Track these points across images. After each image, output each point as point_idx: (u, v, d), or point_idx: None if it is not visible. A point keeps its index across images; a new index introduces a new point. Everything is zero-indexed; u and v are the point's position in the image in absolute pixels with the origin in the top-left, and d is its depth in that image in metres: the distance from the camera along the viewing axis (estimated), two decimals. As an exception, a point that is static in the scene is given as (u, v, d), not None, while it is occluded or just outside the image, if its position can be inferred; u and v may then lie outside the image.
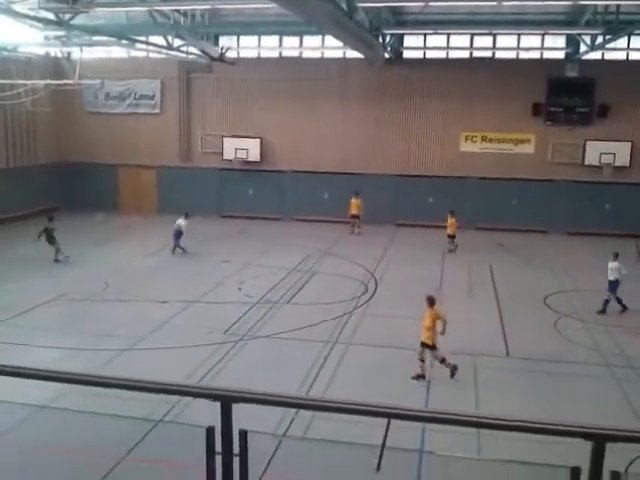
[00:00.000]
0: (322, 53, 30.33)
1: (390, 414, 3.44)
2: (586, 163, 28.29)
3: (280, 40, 30.40)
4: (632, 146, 27.93)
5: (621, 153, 27.92)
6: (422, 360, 12.80)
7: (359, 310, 17.53)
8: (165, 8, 23.05)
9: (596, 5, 22.62)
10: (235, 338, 15.05)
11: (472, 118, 29.30)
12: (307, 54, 30.55)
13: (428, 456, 9.56)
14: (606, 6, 22.21)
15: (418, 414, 3.17)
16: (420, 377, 12.79)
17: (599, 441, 2.59)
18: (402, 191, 29.78)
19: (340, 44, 25.10)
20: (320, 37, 29.19)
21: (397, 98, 29.68)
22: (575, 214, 28.14)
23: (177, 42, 25.80)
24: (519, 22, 25.75)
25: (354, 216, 27.90)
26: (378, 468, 8.83)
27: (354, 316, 16.96)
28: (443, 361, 12.85)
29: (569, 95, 28.11)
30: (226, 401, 3.35)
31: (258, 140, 30.78)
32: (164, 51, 25.90)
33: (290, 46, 30.37)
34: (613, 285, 17.59)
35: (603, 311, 17.52)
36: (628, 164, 28.02)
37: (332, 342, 14.85)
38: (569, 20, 25.75)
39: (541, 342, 15.26)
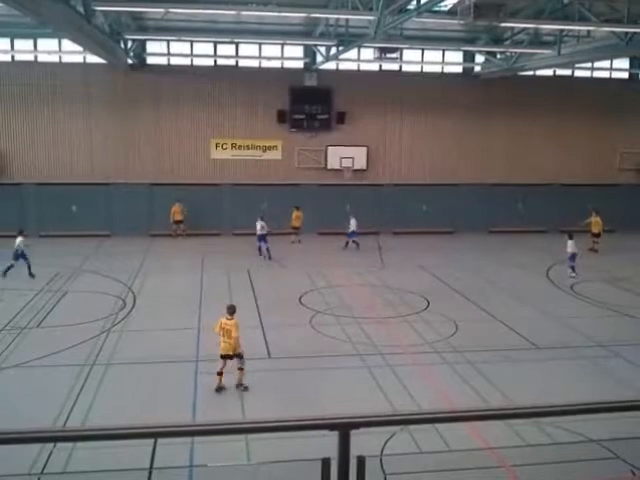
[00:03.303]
0: (60, 57, 28.52)
1: (150, 434, 3.34)
2: (329, 167, 30.35)
3: (12, 43, 27.95)
4: (368, 150, 30.56)
5: (359, 157, 30.41)
6: (220, 374, 12.61)
7: (118, 327, 16.79)
8: None
9: (328, 18, 24.36)
10: (-23, 372, 13.53)
11: (221, 125, 29.74)
12: (43, 58, 28.47)
13: (199, 470, 9.48)
14: (337, 19, 24.02)
15: (176, 429, 3.10)
16: (222, 389, 12.66)
17: (343, 430, 2.78)
18: (156, 200, 29.17)
19: (80, 48, 23.85)
20: (57, 40, 27.43)
21: (146, 105, 29.04)
22: (321, 215, 29.86)
23: None
24: (260, 32, 26.73)
25: (178, 221, 28.68)
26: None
27: (113, 334, 16.20)
28: (241, 368, 12.77)
29: (310, 103, 29.86)
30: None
31: (-9, 151, 28.06)
32: None
33: (23, 49, 28.04)
34: (261, 236, 25.02)
35: None
36: (365, 167, 30.61)
37: (90, 364, 14.03)
38: (306, 31, 27.36)
39: (299, 340, 15.96)
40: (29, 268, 21.37)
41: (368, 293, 20.77)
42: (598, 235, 26.61)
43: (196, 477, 9.48)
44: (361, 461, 2.88)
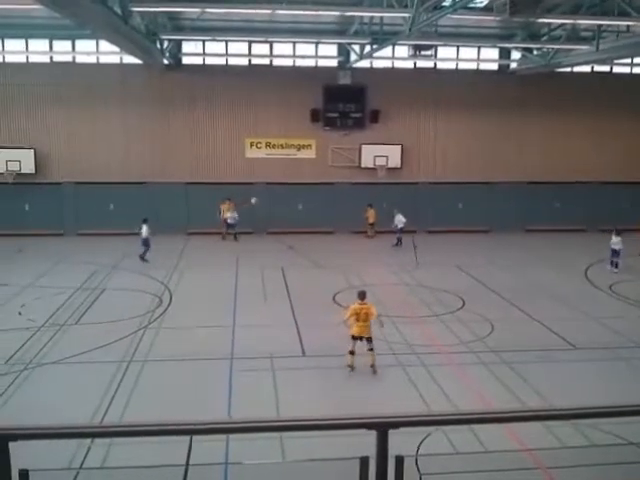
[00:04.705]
0: (97, 58, 29.00)
1: (187, 430, 3.37)
2: (362, 165, 30.25)
3: (50, 44, 28.49)
4: (402, 149, 30.38)
5: (393, 155, 30.23)
6: (352, 353, 13.51)
7: (154, 324, 17.01)
8: None
9: (362, 16, 24.26)
10: (19, 367, 13.81)
11: (256, 125, 29.89)
12: (81, 59, 28.99)
13: (234, 467, 9.53)
14: (371, 17, 23.91)
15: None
16: (351, 367, 13.54)
17: (381, 429, 2.76)
18: (193, 199, 29.49)
19: (116, 49, 24.23)
20: (94, 41, 27.90)
21: (181, 104, 29.34)
22: (356, 214, 29.76)
23: None
24: (294, 31, 26.74)
25: (226, 220, 28.97)
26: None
27: (149, 331, 16.41)
28: (371, 349, 13.64)
29: (343, 101, 29.83)
30: (0, 440, 3.02)
31: (32, 151, 28.63)
32: None
33: (62, 50, 28.55)
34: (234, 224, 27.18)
35: None
36: (400, 165, 30.43)
37: (127, 361, 14.24)
38: (339, 30, 27.29)
39: (333, 338, 15.89)
40: (145, 253, 24.05)
41: (403, 292, 20.66)
42: None
43: (231, 474, 9.52)
44: (399, 461, 2.87)
